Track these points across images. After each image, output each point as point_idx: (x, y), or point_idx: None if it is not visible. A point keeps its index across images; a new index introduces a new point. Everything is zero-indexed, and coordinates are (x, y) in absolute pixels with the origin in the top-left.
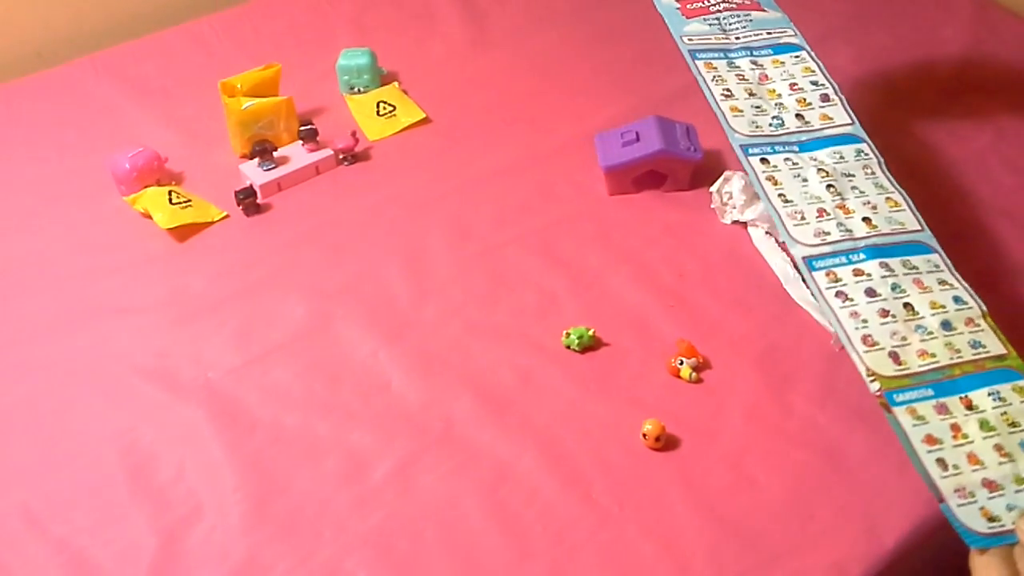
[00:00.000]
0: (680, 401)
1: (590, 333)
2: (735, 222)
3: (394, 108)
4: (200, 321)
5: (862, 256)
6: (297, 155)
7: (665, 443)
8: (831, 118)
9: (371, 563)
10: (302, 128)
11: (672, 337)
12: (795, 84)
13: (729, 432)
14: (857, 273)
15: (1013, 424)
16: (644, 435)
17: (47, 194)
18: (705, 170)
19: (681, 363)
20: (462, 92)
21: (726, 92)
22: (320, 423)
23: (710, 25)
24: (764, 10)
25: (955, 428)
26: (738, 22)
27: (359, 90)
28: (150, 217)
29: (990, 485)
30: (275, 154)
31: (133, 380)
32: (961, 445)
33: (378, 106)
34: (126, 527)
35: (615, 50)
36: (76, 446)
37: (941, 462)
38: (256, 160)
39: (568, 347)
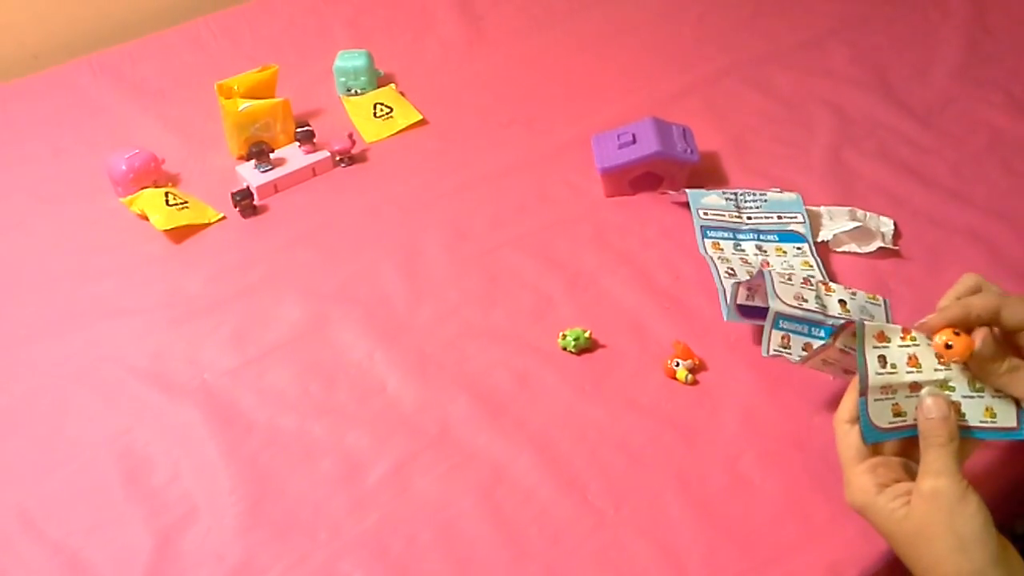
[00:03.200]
0: (676, 403)
1: (586, 335)
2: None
3: (391, 110)
4: (196, 322)
5: (822, 334)
6: (294, 157)
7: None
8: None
9: (367, 565)
10: (299, 130)
11: (668, 339)
12: (792, 275)
13: (725, 434)
14: (806, 347)
15: None
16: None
17: (43, 195)
18: (701, 172)
19: (677, 365)
20: (459, 94)
21: (730, 271)
22: (316, 425)
23: (727, 200)
24: (781, 190)
25: (905, 331)
26: (753, 201)
27: (356, 92)
28: (147, 218)
29: (914, 387)
30: (272, 156)
31: (129, 381)
32: (907, 346)
33: (375, 108)
34: (122, 529)
35: (612, 52)
36: (72, 448)
37: (882, 359)
38: (253, 162)
39: (564, 349)
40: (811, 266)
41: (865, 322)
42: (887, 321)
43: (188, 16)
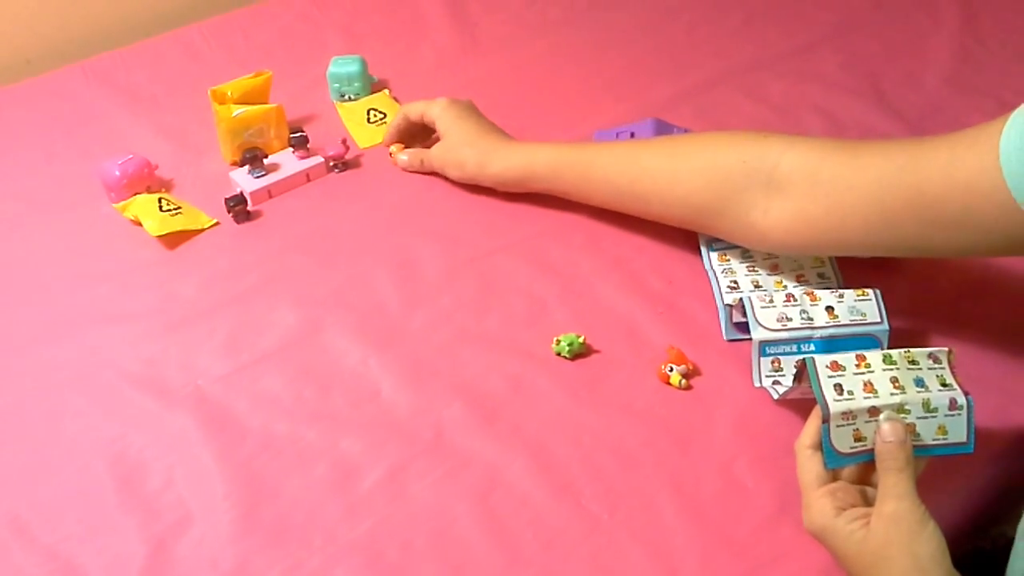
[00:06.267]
0: (670, 408)
1: (580, 340)
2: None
3: (385, 116)
4: (190, 328)
5: (812, 348)
6: (287, 162)
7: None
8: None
9: (361, 571)
10: (292, 135)
11: (662, 344)
12: (802, 275)
13: (719, 438)
14: (797, 365)
15: (912, 362)
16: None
17: (36, 201)
18: None
19: (671, 370)
20: None
21: (732, 284)
22: (310, 430)
23: None
24: None
25: (860, 357)
26: None
27: (350, 97)
28: (140, 224)
29: (872, 411)
30: (265, 161)
31: (122, 387)
32: (861, 373)
33: (369, 113)
34: (115, 535)
35: (607, 57)
36: (65, 454)
37: (839, 387)
38: (246, 167)
39: (558, 354)
40: (823, 262)
41: (814, 356)
42: (881, 312)
43: (181, 22)
